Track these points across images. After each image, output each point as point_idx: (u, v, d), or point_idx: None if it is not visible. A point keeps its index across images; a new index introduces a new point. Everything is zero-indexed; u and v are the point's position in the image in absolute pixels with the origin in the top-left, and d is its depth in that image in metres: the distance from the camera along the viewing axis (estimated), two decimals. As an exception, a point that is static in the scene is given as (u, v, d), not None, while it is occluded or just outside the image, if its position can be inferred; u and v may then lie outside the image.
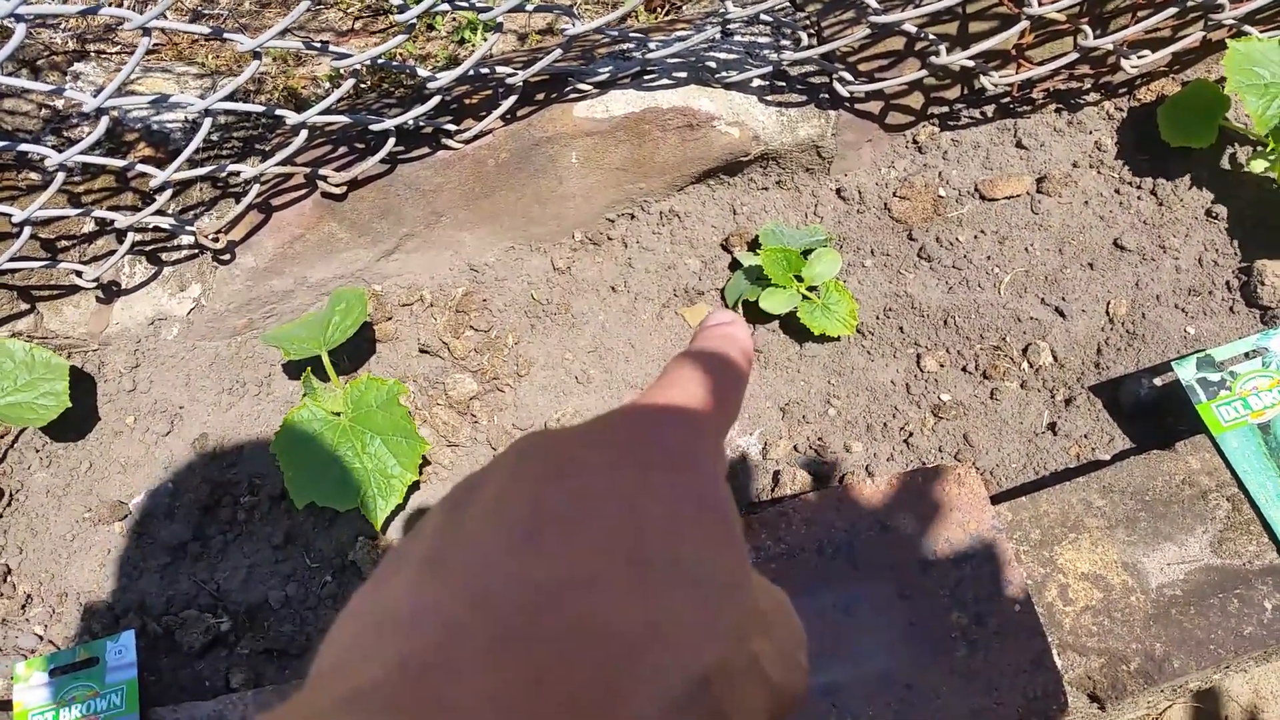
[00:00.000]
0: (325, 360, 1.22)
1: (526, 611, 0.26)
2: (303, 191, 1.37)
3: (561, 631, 0.25)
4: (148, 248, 1.40)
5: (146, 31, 1.02)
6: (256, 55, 1.10)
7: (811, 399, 1.31)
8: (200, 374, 1.38)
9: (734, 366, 0.38)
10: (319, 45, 1.14)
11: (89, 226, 1.40)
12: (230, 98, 1.16)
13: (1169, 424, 1.21)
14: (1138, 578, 1.03)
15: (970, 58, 1.30)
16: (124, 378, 1.38)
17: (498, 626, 0.25)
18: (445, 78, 1.20)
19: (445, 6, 1.11)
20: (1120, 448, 1.22)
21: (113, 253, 1.33)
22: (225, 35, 1.10)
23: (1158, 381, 1.23)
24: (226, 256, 1.38)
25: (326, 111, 1.20)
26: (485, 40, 1.50)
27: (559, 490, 0.29)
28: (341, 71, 1.19)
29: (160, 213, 1.29)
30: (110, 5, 1.02)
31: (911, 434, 1.26)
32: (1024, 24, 1.25)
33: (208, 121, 1.17)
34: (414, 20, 1.08)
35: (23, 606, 1.27)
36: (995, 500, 1.18)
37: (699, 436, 0.33)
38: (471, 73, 1.24)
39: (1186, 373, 1.15)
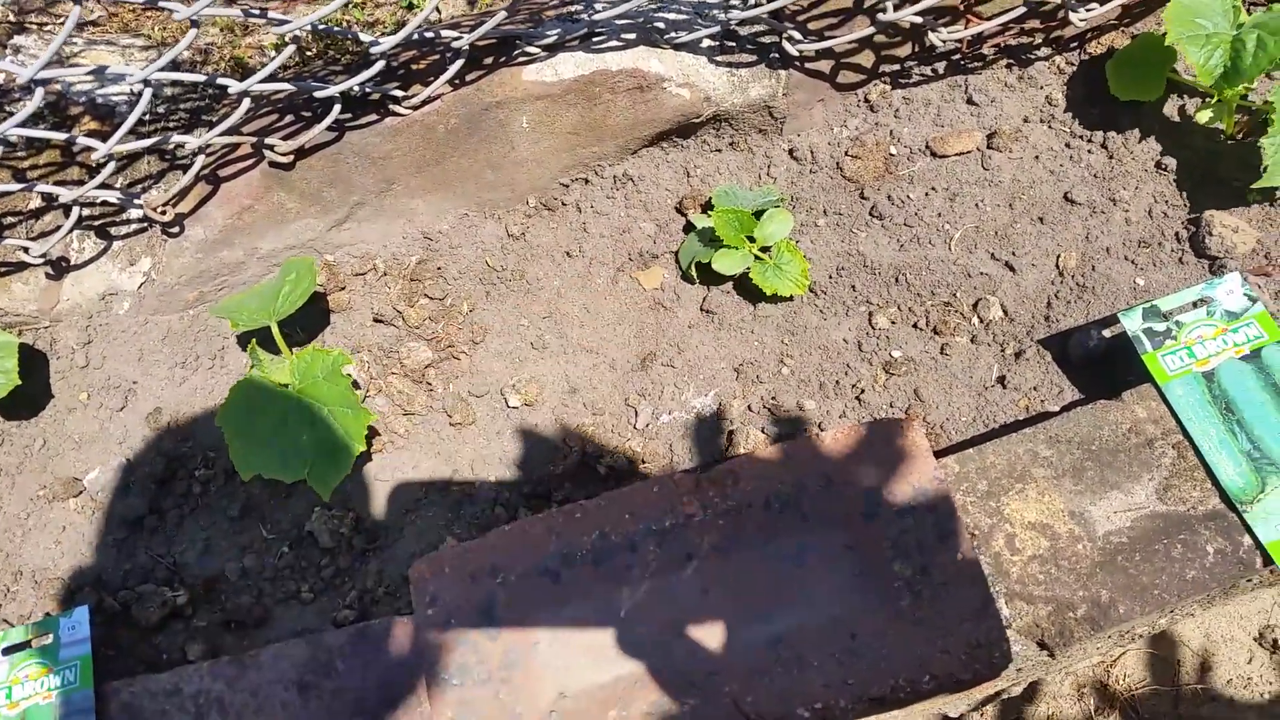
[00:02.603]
0: (275, 331, 1.21)
1: None
2: (250, 161, 1.36)
3: None
4: (96, 222, 1.38)
5: (78, 0, 1.01)
6: (194, 23, 1.09)
7: (765, 358, 1.31)
8: (153, 348, 1.37)
9: None
10: (257, 12, 1.13)
11: (35, 202, 1.38)
12: (172, 67, 1.15)
13: (1117, 374, 1.22)
14: (1085, 526, 1.05)
15: (918, 13, 1.30)
16: (76, 354, 1.37)
17: None
18: (388, 42, 1.19)
19: (384, -31, 1.10)
20: (1069, 399, 1.23)
21: (60, 228, 1.31)
22: (160, 4, 1.08)
23: (1106, 333, 1.24)
24: (175, 229, 1.37)
25: (269, 79, 1.19)
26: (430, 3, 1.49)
27: None
28: (284, 38, 1.18)
29: (106, 186, 1.27)
30: (39, -27, 1.01)
31: (863, 391, 1.27)
32: (969, -22, 1.24)
33: (147, 92, 1.16)
34: (351, -17, 1.06)
35: (-20, 586, 1.26)
36: (943, 453, 1.19)
37: None
38: (416, 37, 1.23)
39: (1133, 323, 1.16)
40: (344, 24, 1.49)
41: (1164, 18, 1.28)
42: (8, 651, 1.13)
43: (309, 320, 1.36)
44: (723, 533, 0.92)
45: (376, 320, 1.38)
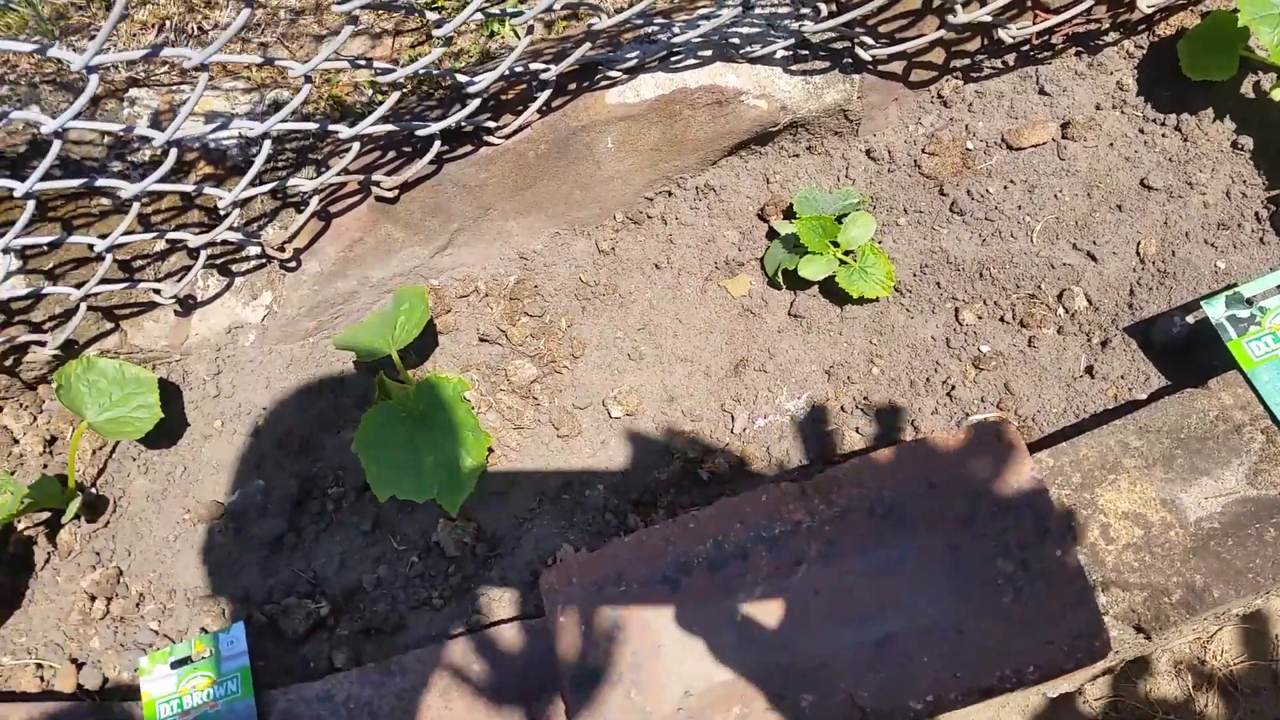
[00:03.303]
0: (396, 359, 1.30)
1: None
2: (358, 197, 1.44)
3: None
4: (218, 260, 1.48)
5: (204, 67, 1.10)
6: (308, 79, 1.17)
7: (855, 359, 1.37)
8: (279, 376, 1.47)
9: None
10: (364, 63, 1.21)
11: (160, 245, 1.49)
12: (289, 119, 1.23)
13: (1203, 360, 1.25)
14: (1176, 513, 1.09)
15: (988, 14, 1.33)
16: (208, 384, 1.47)
17: None
18: (483, 80, 1.26)
19: (479, 16, 1.17)
20: (1156, 386, 1.27)
21: (188, 268, 1.42)
22: (276, 62, 1.17)
23: (1189, 319, 1.27)
24: (293, 264, 1.46)
25: (375, 123, 1.27)
26: (514, 34, 1.55)
27: None
28: (381, 83, 1.25)
29: (229, 227, 1.37)
30: (170, 46, 1.09)
31: (954, 387, 1.32)
32: (1039, -21, 1.27)
33: (267, 145, 1.25)
34: (450, 34, 1.13)
35: (137, 604, 1.38)
36: (1036, 446, 1.24)
37: None
38: (506, 72, 1.30)
39: (1216, 311, 1.19)
40: (438, 65, 1.56)
41: None
42: (175, 665, 1.25)
43: (421, 343, 1.45)
44: (829, 539, 0.99)
45: (482, 340, 1.47)
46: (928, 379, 1.34)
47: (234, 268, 1.49)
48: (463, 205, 1.46)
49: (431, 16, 1.15)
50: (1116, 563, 1.07)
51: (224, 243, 1.45)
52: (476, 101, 1.29)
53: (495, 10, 1.21)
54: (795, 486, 1.03)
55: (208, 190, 1.29)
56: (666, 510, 1.28)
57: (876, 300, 1.39)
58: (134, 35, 1.69)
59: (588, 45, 1.29)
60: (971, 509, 1.00)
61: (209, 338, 1.48)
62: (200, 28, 1.58)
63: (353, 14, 1.07)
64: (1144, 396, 1.26)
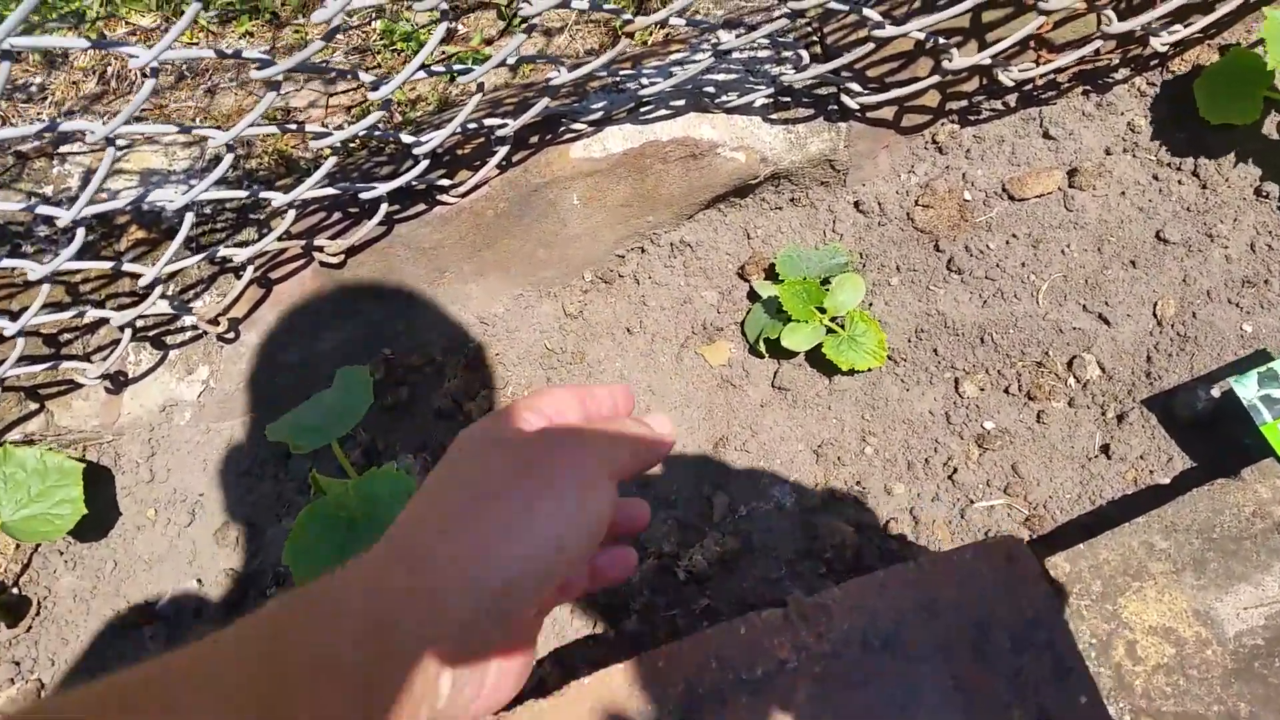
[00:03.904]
0: (336, 450, 1.18)
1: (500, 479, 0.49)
2: (301, 262, 1.32)
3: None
4: (150, 333, 1.36)
5: (110, 141, 0.97)
6: (230, 148, 1.05)
7: (846, 437, 1.24)
8: (217, 458, 1.35)
9: (643, 445, 0.56)
10: (294, 126, 1.08)
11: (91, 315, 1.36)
12: (215, 186, 1.11)
13: (1232, 437, 1.13)
14: (1212, 627, 0.96)
15: (987, 58, 1.21)
16: (141, 468, 1.35)
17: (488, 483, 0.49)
18: (431, 141, 1.14)
19: (421, 74, 1.05)
20: (1180, 467, 1.14)
21: (116, 343, 1.29)
22: (194, 130, 1.05)
23: (1214, 392, 1.15)
24: (231, 335, 1.34)
25: (313, 188, 1.15)
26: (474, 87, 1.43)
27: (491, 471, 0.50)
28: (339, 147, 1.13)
29: (159, 298, 1.25)
30: (67, 119, 0.97)
31: (956, 469, 1.19)
32: (1040, 20, 1.15)
33: (189, 217, 1.12)
34: (388, 97, 1.01)
35: None
36: (1049, 539, 1.12)
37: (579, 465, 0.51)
38: (458, 130, 1.18)
39: (1247, 390, 1.07)
40: (382, 126, 1.44)
41: (1265, 35, 1.18)
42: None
43: (372, 421, 1.33)
44: (819, 680, 0.86)
45: (438, 415, 1.34)
46: (926, 460, 1.21)
47: (168, 340, 1.36)
48: (416, 268, 1.34)
49: (367, 78, 1.02)
50: (1146, 688, 0.95)
51: (156, 314, 1.33)
52: (425, 163, 1.17)
53: (440, 69, 1.09)
54: (780, 615, 0.90)
55: (127, 266, 1.17)
56: (640, 615, 1.15)
57: (869, 370, 1.26)
58: (75, 84, 1.57)
59: (546, 100, 1.16)
60: (979, 641, 0.87)
61: (142, 416, 1.36)
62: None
63: (272, 80, 0.94)
64: (1166, 480, 1.13)
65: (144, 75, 0.89)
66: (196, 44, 1.53)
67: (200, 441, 1.35)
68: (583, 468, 0.50)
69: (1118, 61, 1.36)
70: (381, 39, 1.52)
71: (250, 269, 1.25)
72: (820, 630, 0.88)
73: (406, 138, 1.14)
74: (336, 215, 1.31)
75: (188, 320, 1.34)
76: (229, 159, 1.06)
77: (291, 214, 1.18)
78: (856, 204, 1.37)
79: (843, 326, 1.24)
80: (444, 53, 1.51)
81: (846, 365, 1.22)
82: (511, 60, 1.06)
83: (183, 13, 0.94)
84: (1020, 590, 0.90)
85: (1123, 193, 1.31)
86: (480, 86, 1.10)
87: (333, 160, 1.11)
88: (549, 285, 1.40)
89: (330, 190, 1.18)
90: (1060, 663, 0.86)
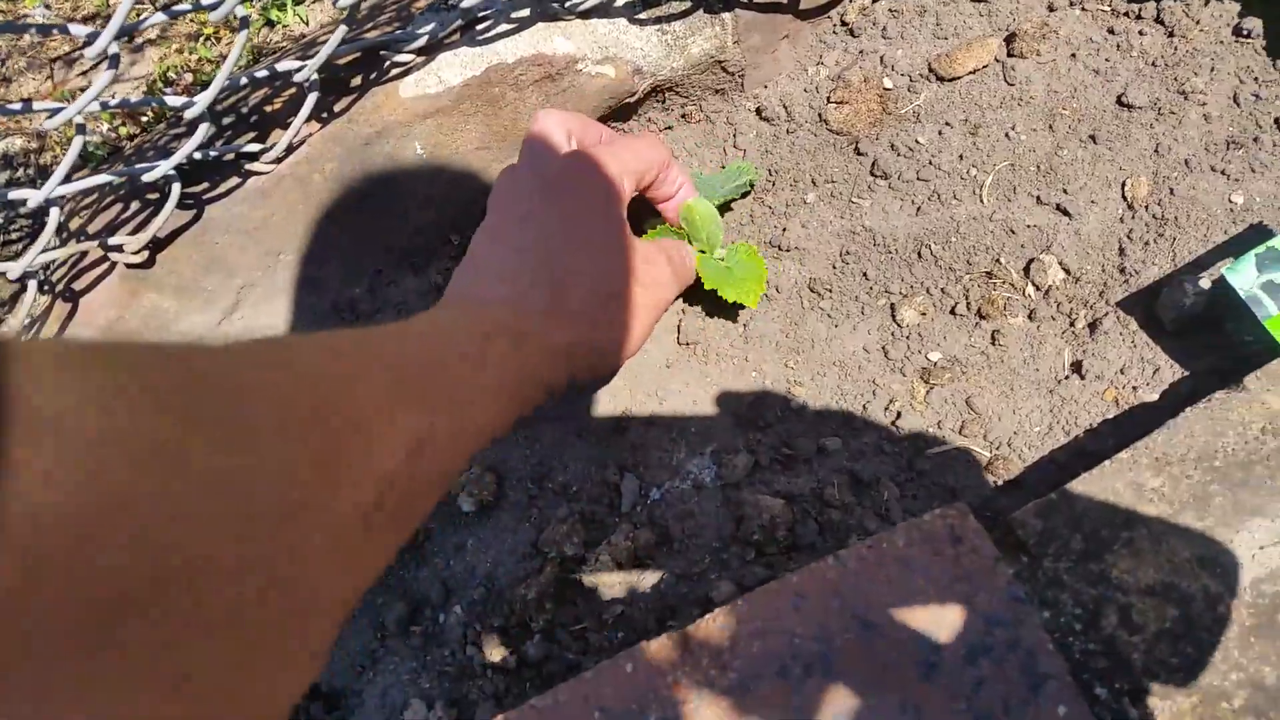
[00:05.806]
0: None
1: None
2: (105, 267, 1.11)
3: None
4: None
5: None
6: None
7: (769, 392, 1.03)
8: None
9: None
10: (16, 108, 0.86)
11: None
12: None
13: (1231, 336, 0.92)
14: (1223, 578, 0.76)
15: (882, -94, 0.98)
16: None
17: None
18: (202, 102, 0.91)
19: (162, 17, 0.83)
20: (1170, 379, 0.93)
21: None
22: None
23: (1204, 283, 0.93)
24: (41, 362, 1.13)
25: (70, 179, 0.93)
26: (300, 19, 1.21)
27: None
28: (81, 124, 0.91)
29: (-65, 335, 1.04)
30: None
31: (900, 413, 0.98)
32: None
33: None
34: (107, 53, 0.79)
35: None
36: (1016, 486, 0.91)
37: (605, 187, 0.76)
38: (244, 81, 0.96)
39: (1244, 278, 0.85)
40: (155, 85, 1.22)
41: None
42: None
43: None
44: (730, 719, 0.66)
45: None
46: (864, 406, 1.00)
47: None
48: (243, 255, 1.12)
49: (80, 30, 0.80)
50: (1146, 661, 0.75)
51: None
52: (205, 127, 0.95)
53: (185, 7, 0.86)
54: (672, 643, 0.70)
55: None
56: (544, 635, 0.96)
57: (744, 307, 1.04)
58: None
59: (344, 29, 0.94)
60: (928, 654, 0.67)
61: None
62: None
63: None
64: (1155, 397, 0.92)
65: None
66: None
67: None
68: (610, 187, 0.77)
69: (1050, -103, 1.13)
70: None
71: (33, 283, 1.04)
72: (725, 659, 0.68)
73: (173, 100, 0.92)
74: (136, 205, 1.09)
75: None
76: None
77: (55, 213, 0.96)
78: (759, 111, 1.15)
79: (724, 258, 1.02)
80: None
81: (733, 298, 0.99)
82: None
83: None
84: (973, 580, 0.69)
85: (1073, 55, 1.08)
86: (245, 21, 0.87)
87: (78, 144, 0.89)
88: (412, 256, 1.19)
89: (97, 180, 0.96)
90: (1030, 668, 0.66)
